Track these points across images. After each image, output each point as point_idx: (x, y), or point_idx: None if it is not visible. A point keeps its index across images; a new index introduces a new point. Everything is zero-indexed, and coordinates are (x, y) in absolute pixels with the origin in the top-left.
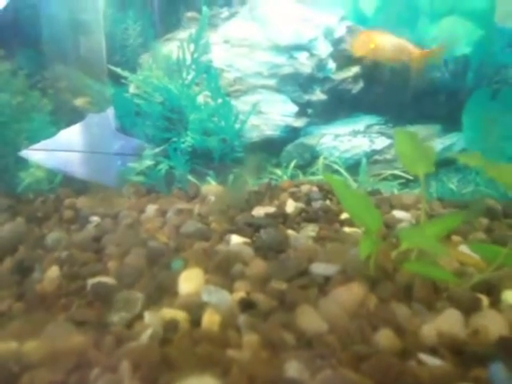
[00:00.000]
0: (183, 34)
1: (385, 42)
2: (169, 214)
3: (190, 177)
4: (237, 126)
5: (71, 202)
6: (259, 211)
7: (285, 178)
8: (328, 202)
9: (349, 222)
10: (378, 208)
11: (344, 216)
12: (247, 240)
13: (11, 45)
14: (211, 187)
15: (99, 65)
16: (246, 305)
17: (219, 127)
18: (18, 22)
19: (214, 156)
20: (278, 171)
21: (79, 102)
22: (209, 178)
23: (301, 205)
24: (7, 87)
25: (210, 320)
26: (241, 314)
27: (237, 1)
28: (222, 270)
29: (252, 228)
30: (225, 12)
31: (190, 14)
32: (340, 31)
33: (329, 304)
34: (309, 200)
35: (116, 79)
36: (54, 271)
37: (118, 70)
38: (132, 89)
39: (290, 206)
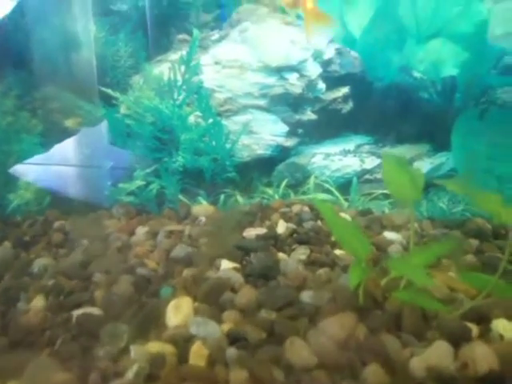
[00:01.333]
0: (174, 56)
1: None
2: (159, 237)
3: (180, 196)
4: (228, 145)
5: (60, 225)
6: (250, 232)
7: (276, 197)
8: (319, 222)
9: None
10: (368, 228)
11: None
12: (237, 265)
13: (2, 66)
14: (202, 207)
15: (90, 86)
16: (235, 337)
17: (210, 147)
18: (8, 44)
19: (205, 176)
20: (270, 190)
21: (70, 122)
22: (200, 198)
23: (292, 225)
24: None
25: (198, 354)
26: (229, 348)
27: (227, 23)
28: (211, 299)
29: (242, 252)
30: (215, 34)
31: (180, 37)
32: (329, 53)
33: (318, 336)
34: (300, 220)
35: (107, 100)
36: (39, 301)
37: (109, 91)
38: (123, 109)
39: (281, 227)
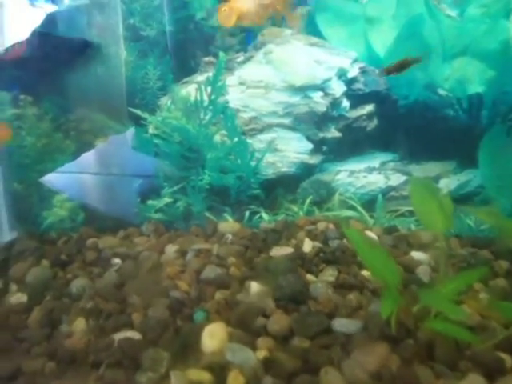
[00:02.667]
0: (201, 78)
1: (244, 5)
2: (188, 256)
3: (207, 213)
4: (253, 163)
5: (93, 243)
6: (277, 252)
7: (301, 214)
8: (345, 240)
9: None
10: (395, 247)
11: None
12: (267, 288)
13: (38, 91)
14: (228, 224)
15: (120, 107)
16: (270, 365)
17: (235, 165)
18: (44, 71)
19: (230, 193)
20: (294, 207)
21: (100, 142)
22: (225, 215)
23: (318, 244)
24: (33, 131)
25: (235, 382)
26: (265, 376)
27: (252, 46)
28: (244, 324)
29: (271, 273)
30: (240, 56)
31: (207, 59)
32: (353, 72)
33: (352, 366)
34: (326, 238)
35: (136, 121)
36: (80, 323)
37: (138, 112)
38: (151, 129)
39: (308, 246)
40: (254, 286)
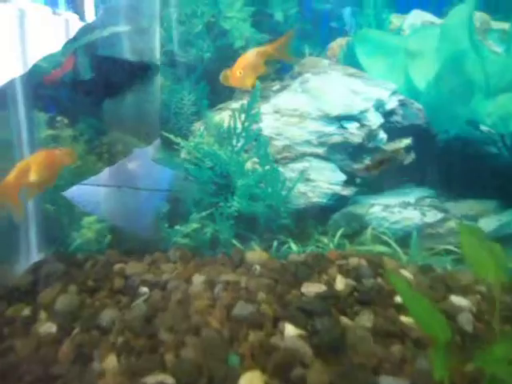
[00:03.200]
0: (235, 105)
1: (247, 65)
2: (217, 289)
3: (234, 241)
4: (283, 192)
5: (121, 269)
6: (309, 289)
7: (331, 246)
8: (379, 279)
9: (404, 309)
10: (433, 289)
11: (399, 299)
12: (302, 332)
13: (74, 113)
14: (256, 254)
15: (153, 131)
16: None
17: (266, 193)
18: (80, 93)
19: (259, 222)
20: (324, 239)
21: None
22: (253, 243)
23: (351, 282)
24: None
25: None
26: None
27: (288, 75)
28: (282, 374)
29: (305, 314)
30: (276, 85)
31: None
32: (391, 104)
33: None
34: (359, 276)
35: (168, 145)
36: (111, 361)
37: (171, 137)
38: (183, 154)
39: (340, 283)
40: (289, 329)
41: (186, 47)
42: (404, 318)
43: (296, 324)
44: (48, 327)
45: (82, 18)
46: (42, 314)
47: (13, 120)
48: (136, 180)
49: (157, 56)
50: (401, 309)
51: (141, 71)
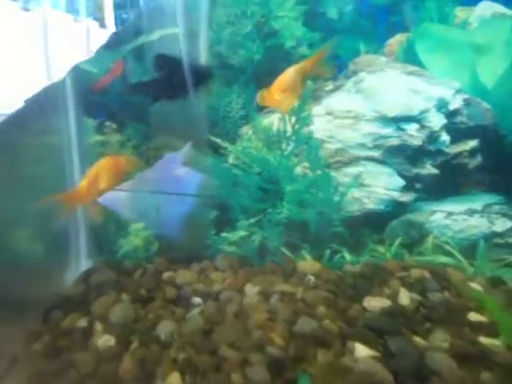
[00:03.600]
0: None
1: (287, 87)
2: (273, 301)
3: (283, 249)
4: (336, 198)
5: (170, 277)
6: (372, 303)
7: (388, 256)
8: (446, 293)
9: (483, 329)
10: (510, 307)
11: (474, 317)
12: (375, 354)
13: (122, 119)
14: (308, 264)
15: (201, 135)
16: None
17: (317, 199)
18: (129, 99)
19: (309, 229)
20: (381, 249)
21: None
22: (303, 252)
23: (416, 296)
24: None
25: None
26: None
27: (342, 74)
28: None
29: (373, 332)
30: (329, 85)
31: None
32: (455, 103)
33: None
34: (423, 289)
35: (216, 149)
36: (175, 379)
37: (219, 141)
38: (231, 159)
39: (405, 297)
40: (361, 350)
41: (235, 48)
42: (484, 340)
43: (366, 343)
44: (106, 340)
45: (101, 24)
46: (98, 326)
47: (62, 125)
48: (163, 184)
49: (205, 58)
50: (477, 328)
51: (201, 74)
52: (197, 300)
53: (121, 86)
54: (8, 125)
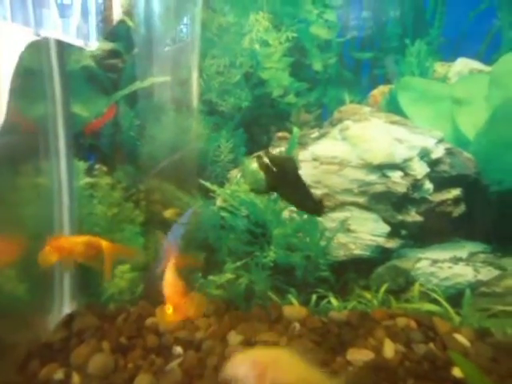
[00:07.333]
0: (273, 152)
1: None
2: None
3: (270, 293)
4: (322, 243)
5: (153, 324)
6: (355, 356)
7: (374, 302)
8: (431, 344)
9: None
10: (497, 363)
11: (456, 372)
12: None
13: (112, 161)
14: (294, 309)
15: (190, 179)
16: None
17: (304, 243)
18: (119, 143)
19: (296, 273)
20: (367, 295)
21: (168, 213)
22: (290, 296)
23: (400, 347)
24: (105, 199)
25: None
26: None
27: (328, 122)
28: None
29: None
30: (315, 132)
31: (280, 134)
32: (438, 152)
33: None
34: (409, 340)
35: (205, 193)
36: None
37: (208, 184)
38: (219, 202)
39: (389, 349)
40: None
41: (225, 96)
42: None
43: None
44: None
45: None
46: (75, 377)
47: (53, 168)
48: None
49: (195, 105)
50: None
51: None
52: (178, 350)
53: (112, 128)
54: None
